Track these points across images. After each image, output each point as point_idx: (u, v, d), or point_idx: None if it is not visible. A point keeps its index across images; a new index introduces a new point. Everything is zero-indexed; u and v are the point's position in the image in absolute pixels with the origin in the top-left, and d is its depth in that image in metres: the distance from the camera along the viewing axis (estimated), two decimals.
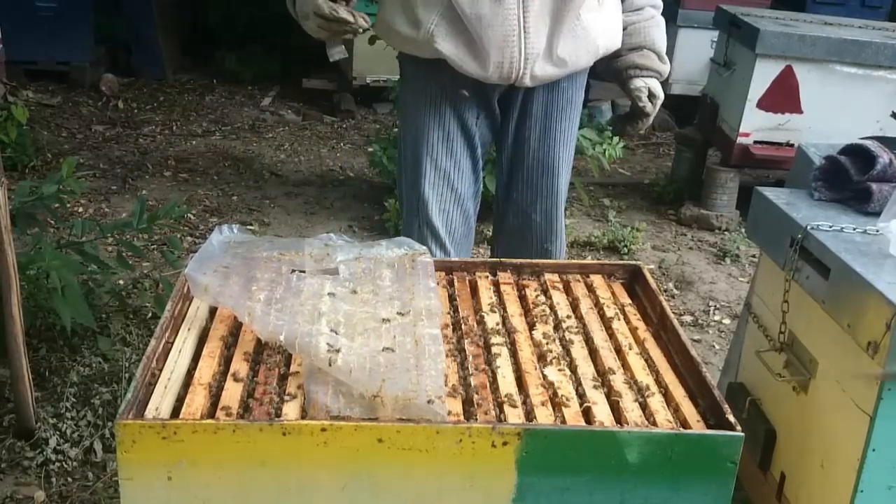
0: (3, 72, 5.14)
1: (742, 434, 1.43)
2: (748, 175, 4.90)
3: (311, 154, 5.67)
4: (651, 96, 2.42)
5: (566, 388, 1.58)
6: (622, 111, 6.33)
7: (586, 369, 1.65)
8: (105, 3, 6.61)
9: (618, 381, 1.61)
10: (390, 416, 1.43)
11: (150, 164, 5.25)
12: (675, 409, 1.55)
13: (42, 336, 3.03)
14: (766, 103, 4.45)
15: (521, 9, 2.16)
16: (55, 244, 3.12)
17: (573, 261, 2.20)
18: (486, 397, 1.54)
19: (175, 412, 1.48)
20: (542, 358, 1.68)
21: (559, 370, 1.64)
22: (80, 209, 4.48)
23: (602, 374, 1.64)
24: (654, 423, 1.49)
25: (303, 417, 1.45)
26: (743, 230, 4.41)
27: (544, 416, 1.50)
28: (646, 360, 1.69)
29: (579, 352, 1.71)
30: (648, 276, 1.97)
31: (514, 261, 2.06)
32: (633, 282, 2.01)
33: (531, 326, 1.79)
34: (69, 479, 2.49)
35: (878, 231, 1.98)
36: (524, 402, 1.55)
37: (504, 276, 2.00)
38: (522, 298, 1.92)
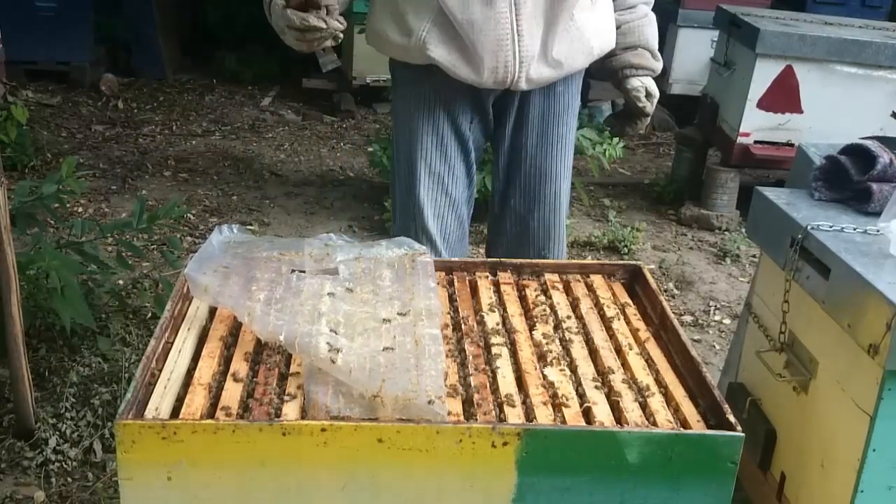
0: (3, 72, 5.14)
1: (742, 434, 1.43)
2: (748, 175, 4.90)
3: (311, 154, 5.67)
4: (648, 95, 2.42)
5: (566, 388, 1.58)
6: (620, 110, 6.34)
7: (586, 369, 1.65)
8: (105, 3, 6.62)
9: (618, 381, 1.61)
10: (390, 416, 1.43)
11: (150, 164, 5.25)
12: (675, 409, 1.55)
13: (42, 336, 3.03)
14: (766, 103, 4.45)
15: (514, 12, 2.13)
16: (55, 244, 3.12)
17: (573, 261, 2.20)
18: (486, 397, 1.54)
19: (175, 412, 1.48)
20: (542, 358, 1.68)
21: (559, 370, 1.64)
22: (80, 209, 4.48)
23: (602, 374, 1.64)
24: (655, 423, 1.49)
25: (303, 417, 1.45)
26: (743, 230, 4.41)
27: (544, 417, 1.50)
28: (646, 360, 1.69)
29: (579, 352, 1.71)
30: (648, 276, 1.97)
31: (514, 261, 2.06)
32: (634, 282, 2.01)
33: (531, 326, 1.79)
34: (69, 479, 2.49)
35: (878, 231, 1.98)
36: (524, 402, 1.54)
37: (504, 276, 2.00)
38: (522, 298, 1.92)
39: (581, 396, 1.57)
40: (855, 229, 2.00)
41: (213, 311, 1.78)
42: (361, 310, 1.72)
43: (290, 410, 1.47)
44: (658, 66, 2.45)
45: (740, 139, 4.51)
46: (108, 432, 2.59)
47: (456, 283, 1.96)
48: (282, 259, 1.89)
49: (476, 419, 1.48)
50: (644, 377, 1.63)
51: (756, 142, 4.52)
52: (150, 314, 3.25)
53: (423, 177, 2.33)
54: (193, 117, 6.25)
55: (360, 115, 6.49)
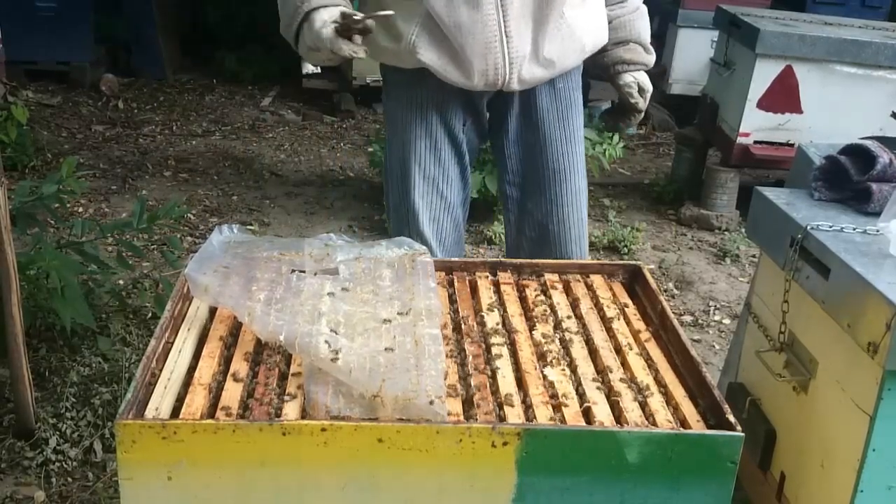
0: (3, 72, 5.14)
1: (742, 434, 1.43)
2: (748, 175, 4.90)
3: (311, 154, 5.67)
4: (641, 90, 2.41)
5: (566, 388, 1.58)
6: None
7: (586, 369, 1.65)
8: (105, 3, 6.62)
9: (617, 380, 1.61)
10: (390, 416, 1.43)
11: (150, 164, 5.25)
12: (675, 409, 1.55)
13: (42, 336, 3.03)
14: (766, 103, 4.45)
15: (501, 13, 2.12)
16: (55, 244, 3.12)
17: (573, 261, 2.20)
18: (486, 397, 1.54)
19: (175, 412, 1.48)
20: (542, 358, 1.68)
21: (559, 370, 1.64)
22: (80, 209, 4.48)
23: (602, 374, 1.64)
24: (654, 423, 1.49)
25: (303, 417, 1.45)
26: (743, 230, 4.41)
27: (544, 416, 1.50)
28: (646, 360, 1.69)
29: (579, 352, 1.71)
30: (648, 276, 1.97)
31: (513, 261, 2.06)
32: (633, 282, 2.01)
33: (531, 326, 1.79)
34: (69, 479, 2.49)
35: (878, 231, 1.98)
36: (524, 402, 1.54)
37: (504, 276, 2.00)
38: (522, 298, 1.92)
39: (581, 396, 1.57)
40: (855, 229, 2.00)
41: (213, 311, 1.78)
42: (361, 310, 1.72)
43: (290, 410, 1.47)
44: (650, 59, 2.43)
45: (740, 139, 4.51)
46: (109, 432, 2.59)
47: (456, 283, 1.96)
48: (282, 259, 1.89)
49: (476, 419, 1.48)
50: (644, 377, 1.63)
51: (756, 142, 4.52)
52: (150, 314, 3.25)
53: (418, 180, 2.32)
54: (193, 117, 6.26)
55: (360, 115, 6.50)
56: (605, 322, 1.83)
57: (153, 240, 3.91)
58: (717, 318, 3.79)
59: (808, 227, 2.00)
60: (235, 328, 1.72)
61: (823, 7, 6.31)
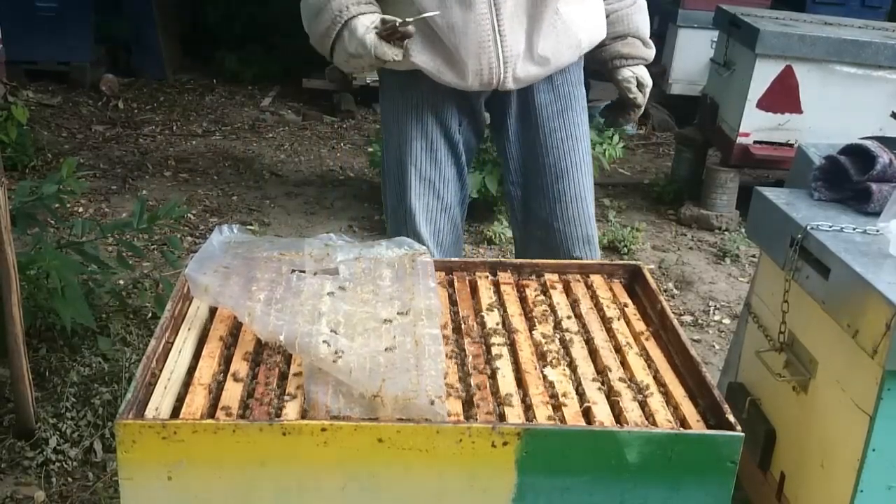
0: (3, 72, 5.15)
1: (742, 434, 1.43)
2: (748, 175, 4.90)
3: (311, 154, 5.67)
4: (639, 85, 2.38)
5: (566, 388, 1.58)
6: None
7: (586, 369, 1.65)
8: (105, 3, 6.62)
9: (617, 380, 1.61)
10: (390, 416, 1.43)
11: (150, 164, 5.25)
12: (675, 409, 1.55)
13: (42, 336, 3.03)
14: (766, 103, 4.45)
15: (494, 12, 2.11)
16: (55, 244, 3.12)
17: (573, 261, 2.19)
18: (486, 397, 1.54)
19: (175, 412, 1.48)
20: (542, 358, 1.68)
21: (559, 370, 1.64)
22: (80, 209, 4.48)
23: (602, 374, 1.64)
24: (654, 423, 1.49)
25: (303, 417, 1.45)
26: (743, 230, 4.41)
27: (544, 416, 1.50)
28: (646, 360, 1.69)
29: (579, 352, 1.71)
30: (648, 276, 1.97)
31: (514, 261, 2.06)
32: (633, 282, 2.01)
33: (531, 326, 1.79)
34: (69, 479, 2.49)
35: (878, 231, 1.98)
36: (524, 402, 1.55)
37: (504, 276, 2.00)
38: (522, 298, 1.92)
39: (581, 396, 1.57)
40: (855, 229, 2.00)
41: (213, 311, 1.78)
42: (361, 310, 1.72)
43: (291, 410, 1.47)
44: (650, 53, 2.41)
45: (740, 139, 4.51)
46: (109, 432, 2.59)
47: (456, 283, 1.97)
48: (282, 259, 1.89)
49: (476, 419, 1.48)
50: (644, 377, 1.63)
51: (756, 142, 4.52)
52: (150, 314, 3.25)
53: (414, 182, 2.32)
54: (193, 117, 6.26)
55: (360, 115, 6.50)
56: (605, 322, 1.83)
57: (153, 240, 3.91)
58: (717, 318, 3.79)
59: (808, 227, 2.00)
60: (235, 328, 1.72)
61: (823, 7, 6.31)
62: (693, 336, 3.59)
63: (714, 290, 4.05)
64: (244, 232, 1.98)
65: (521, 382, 1.60)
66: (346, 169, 5.43)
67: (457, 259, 2.15)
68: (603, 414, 1.51)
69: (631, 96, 2.39)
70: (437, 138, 2.31)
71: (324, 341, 1.56)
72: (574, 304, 1.90)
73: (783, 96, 4.42)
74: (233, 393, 1.52)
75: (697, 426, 1.50)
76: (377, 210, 4.60)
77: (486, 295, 1.91)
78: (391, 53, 2.06)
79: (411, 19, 2.04)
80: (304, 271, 1.84)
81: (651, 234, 4.67)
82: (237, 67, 7.08)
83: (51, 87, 6.42)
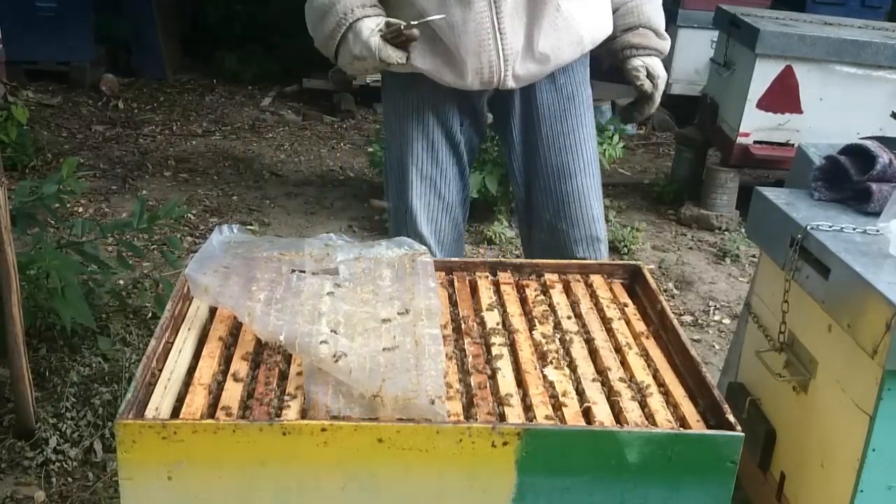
0: (3, 72, 5.15)
1: (742, 434, 1.43)
2: (748, 175, 4.90)
3: (311, 154, 5.67)
4: (650, 76, 2.31)
5: (566, 388, 1.58)
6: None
7: (586, 369, 1.65)
8: (105, 3, 6.62)
9: (617, 380, 1.61)
10: (390, 416, 1.43)
11: (150, 164, 5.25)
12: (675, 409, 1.55)
13: (42, 336, 3.03)
14: (766, 103, 4.45)
15: (494, 9, 2.10)
16: (55, 244, 3.12)
17: (573, 261, 2.19)
18: (486, 397, 1.54)
19: (175, 412, 1.48)
20: (542, 358, 1.68)
21: (559, 370, 1.64)
22: (80, 209, 4.48)
23: (602, 374, 1.64)
24: (654, 423, 1.49)
25: (303, 417, 1.45)
26: (743, 230, 4.41)
27: (544, 416, 1.50)
28: (645, 360, 1.69)
29: (579, 352, 1.71)
30: (648, 276, 1.97)
31: (514, 261, 2.06)
32: (633, 282, 2.01)
33: (531, 326, 1.79)
34: (69, 479, 2.49)
35: (878, 231, 1.98)
36: (524, 402, 1.54)
37: (504, 276, 2.00)
38: (522, 298, 1.92)
39: (581, 396, 1.57)
40: (855, 229, 2.00)
41: (213, 311, 1.78)
42: (361, 310, 1.72)
43: (290, 410, 1.47)
44: (664, 45, 2.33)
45: (740, 139, 4.51)
46: (109, 432, 2.59)
47: (456, 283, 1.97)
48: (282, 259, 1.89)
49: (476, 419, 1.48)
50: (644, 377, 1.63)
51: (756, 142, 4.52)
52: (150, 314, 3.25)
53: (415, 182, 2.32)
54: (193, 117, 6.26)
55: (360, 115, 6.50)
56: (605, 322, 1.83)
57: (153, 240, 3.91)
58: (717, 318, 3.79)
59: (808, 227, 2.00)
60: (235, 328, 1.72)
61: (823, 7, 6.32)
62: (693, 336, 3.59)
63: (714, 290, 4.05)
64: (244, 232, 1.98)
65: (521, 382, 1.60)
66: (346, 169, 5.43)
67: (457, 259, 2.15)
68: (603, 414, 1.51)
69: (638, 83, 2.31)
70: (439, 138, 2.31)
71: (324, 341, 1.56)
72: (574, 304, 1.90)
73: (783, 96, 4.42)
74: (233, 393, 1.52)
75: (697, 426, 1.50)
76: (377, 210, 4.60)
77: (486, 295, 1.91)
78: (395, 56, 2.06)
79: (415, 22, 2.04)
80: (304, 271, 1.84)
81: (651, 234, 4.67)
82: (237, 67, 7.08)
83: (51, 87, 6.42)
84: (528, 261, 2.07)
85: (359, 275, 1.85)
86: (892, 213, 1.96)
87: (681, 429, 1.49)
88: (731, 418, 1.46)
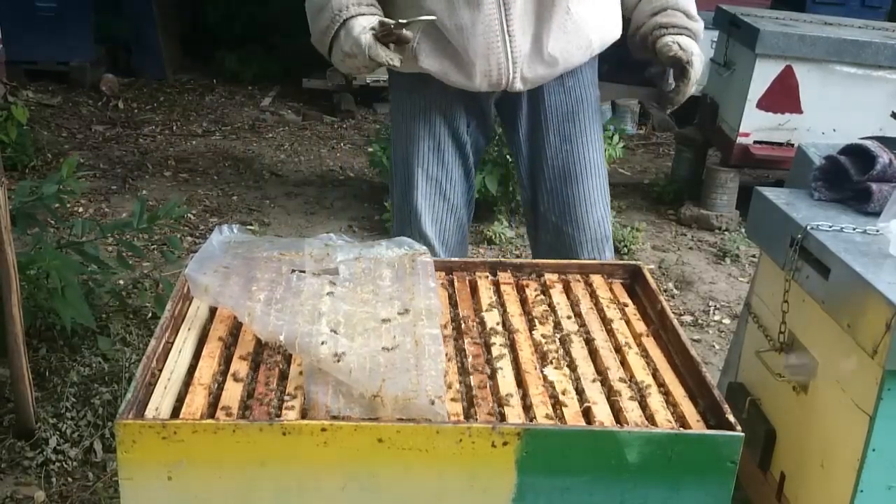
0: (3, 72, 5.15)
1: (742, 434, 1.43)
2: (748, 175, 4.90)
3: (311, 154, 5.67)
4: (682, 49, 2.14)
5: (566, 388, 1.58)
6: (623, 110, 6.33)
7: (586, 369, 1.65)
8: (105, 3, 6.63)
9: (617, 380, 1.61)
10: (390, 416, 1.43)
11: (150, 164, 5.25)
12: (675, 409, 1.55)
13: (42, 336, 3.03)
14: (766, 103, 4.45)
15: (503, 12, 2.10)
16: (55, 244, 3.12)
17: (573, 261, 2.19)
18: (486, 397, 1.54)
19: (175, 412, 1.48)
20: (542, 358, 1.68)
21: (559, 370, 1.64)
22: (80, 209, 4.48)
23: (602, 374, 1.64)
24: (654, 423, 1.49)
25: (303, 417, 1.45)
26: (743, 230, 4.41)
27: (544, 416, 1.50)
28: (645, 360, 1.69)
29: (579, 352, 1.71)
30: (648, 276, 1.97)
31: (514, 261, 2.06)
32: (633, 282, 2.01)
33: (531, 326, 1.79)
34: (69, 479, 2.49)
35: (878, 231, 1.98)
36: (524, 402, 1.54)
37: (504, 276, 2.00)
38: (522, 298, 1.92)
39: (581, 396, 1.57)
40: (855, 229, 2.00)
41: (213, 311, 1.78)
42: (361, 310, 1.72)
43: (291, 410, 1.47)
44: (695, 26, 2.21)
45: (740, 139, 4.51)
46: (109, 432, 2.59)
47: (456, 283, 1.97)
48: (282, 259, 1.89)
49: (476, 419, 1.48)
50: (644, 377, 1.63)
51: (756, 142, 4.52)
52: (150, 314, 3.25)
53: (421, 182, 2.32)
54: (193, 117, 6.26)
55: (360, 115, 6.50)
56: (605, 322, 1.83)
57: (153, 240, 3.91)
58: (717, 318, 3.79)
59: (808, 227, 2.00)
60: (235, 328, 1.72)
61: (823, 7, 6.32)
62: (693, 336, 3.59)
63: (714, 290, 4.05)
64: (244, 232, 1.98)
65: (521, 382, 1.60)
66: (346, 169, 5.43)
67: (457, 259, 2.14)
68: (603, 414, 1.51)
69: (671, 54, 2.13)
70: (445, 139, 2.31)
71: (324, 341, 1.56)
72: (574, 303, 1.89)
73: (783, 96, 4.42)
74: (233, 393, 1.52)
75: (697, 426, 1.50)
76: (377, 210, 4.60)
77: (486, 295, 1.91)
78: (385, 56, 2.04)
79: (405, 21, 2.03)
80: (304, 271, 1.84)
81: (651, 234, 4.67)
82: (237, 67, 7.08)
83: (51, 87, 6.42)
84: (528, 261, 2.07)
85: (359, 275, 1.85)
86: (892, 213, 1.96)
87: (681, 429, 1.48)
88: (731, 418, 1.46)
